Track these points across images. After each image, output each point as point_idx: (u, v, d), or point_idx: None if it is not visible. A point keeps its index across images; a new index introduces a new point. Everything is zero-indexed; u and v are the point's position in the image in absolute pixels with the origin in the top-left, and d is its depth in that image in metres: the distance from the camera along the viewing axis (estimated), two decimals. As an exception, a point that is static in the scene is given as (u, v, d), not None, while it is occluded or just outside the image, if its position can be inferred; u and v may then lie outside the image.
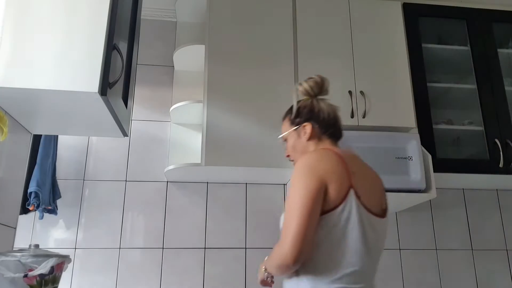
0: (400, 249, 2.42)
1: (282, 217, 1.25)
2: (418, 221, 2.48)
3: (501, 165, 2.23)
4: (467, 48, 2.48)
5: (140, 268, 2.21)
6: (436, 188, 2.07)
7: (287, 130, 1.42)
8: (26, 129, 1.53)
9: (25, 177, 1.63)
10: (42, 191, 2.00)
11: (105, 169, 2.35)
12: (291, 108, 1.44)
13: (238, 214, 2.36)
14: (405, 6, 2.45)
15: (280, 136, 1.44)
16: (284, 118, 1.45)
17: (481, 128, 2.33)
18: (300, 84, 1.40)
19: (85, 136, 2.35)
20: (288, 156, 1.43)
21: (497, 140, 2.27)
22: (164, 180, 2.36)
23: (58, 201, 2.17)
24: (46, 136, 2.09)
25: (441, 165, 2.16)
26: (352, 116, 2.19)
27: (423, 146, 2.14)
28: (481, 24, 2.50)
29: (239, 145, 2.09)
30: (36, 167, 2.02)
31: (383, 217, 1.24)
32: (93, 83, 1.20)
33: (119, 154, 2.38)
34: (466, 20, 2.50)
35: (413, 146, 2.10)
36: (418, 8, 2.47)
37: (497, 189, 2.61)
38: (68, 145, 2.33)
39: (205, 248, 2.29)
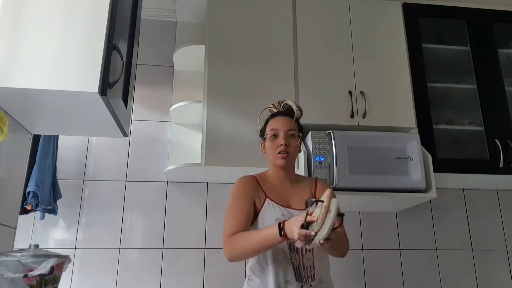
0: (400, 249, 2.41)
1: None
2: (418, 221, 2.48)
3: (501, 165, 2.23)
4: (467, 48, 2.48)
5: (140, 268, 2.21)
6: (436, 188, 2.07)
7: (297, 130, 1.58)
8: (26, 129, 1.52)
9: (25, 177, 1.63)
10: (40, 191, 1.99)
11: (105, 169, 2.35)
12: (292, 109, 1.60)
13: (238, 214, 2.36)
14: (405, 6, 2.45)
15: (295, 131, 1.57)
16: (295, 118, 1.59)
17: (481, 128, 2.33)
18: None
19: (85, 136, 2.35)
20: (286, 151, 1.53)
21: (497, 140, 2.27)
22: (164, 180, 2.36)
23: (58, 201, 2.16)
24: (45, 135, 2.09)
25: (441, 165, 2.16)
26: (352, 116, 2.19)
27: (423, 146, 2.14)
28: (481, 24, 2.50)
29: (239, 145, 2.08)
30: (35, 167, 2.01)
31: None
32: (93, 83, 1.20)
33: (119, 154, 2.38)
34: (466, 20, 2.50)
35: (413, 146, 2.09)
36: (418, 8, 2.47)
37: (497, 189, 2.61)
38: (68, 145, 2.33)
39: (205, 248, 2.29)
